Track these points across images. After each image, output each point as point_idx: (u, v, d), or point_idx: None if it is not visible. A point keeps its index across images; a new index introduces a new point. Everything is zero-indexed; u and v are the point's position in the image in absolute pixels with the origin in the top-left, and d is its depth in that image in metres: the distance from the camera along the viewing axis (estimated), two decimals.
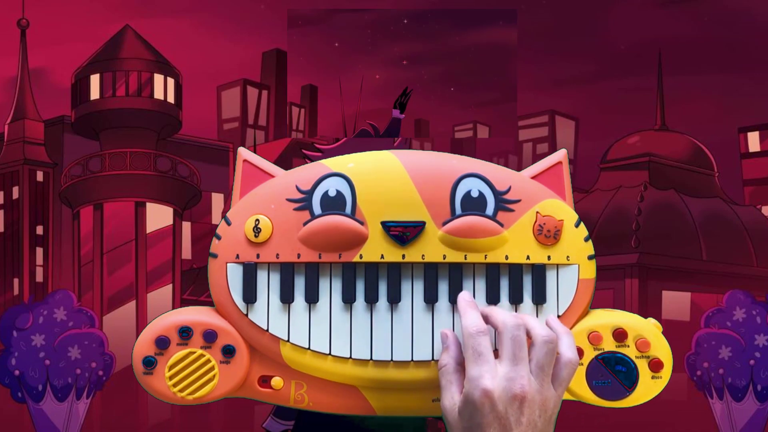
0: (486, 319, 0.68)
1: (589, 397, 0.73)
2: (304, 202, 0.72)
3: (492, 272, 0.73)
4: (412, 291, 0.73)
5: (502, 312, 0.67)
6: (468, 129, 1.24)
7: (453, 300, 0.72)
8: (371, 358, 0.72)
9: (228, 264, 0.73)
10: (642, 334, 0.73)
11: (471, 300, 0.70)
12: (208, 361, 0.72)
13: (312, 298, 0.72)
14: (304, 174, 0.74)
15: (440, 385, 0.67)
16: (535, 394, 0.64)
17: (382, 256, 0.72)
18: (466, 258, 0.72)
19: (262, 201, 0.73)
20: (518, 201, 0.73)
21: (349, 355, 0.72)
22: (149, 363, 0.72)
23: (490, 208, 0.73)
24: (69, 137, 2.05)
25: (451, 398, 0.66)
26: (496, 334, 0.67)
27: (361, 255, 0.72)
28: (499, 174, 0.74)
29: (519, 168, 0.77)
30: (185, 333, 0.72)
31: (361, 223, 0.72)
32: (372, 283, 0.72)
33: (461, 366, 0.67)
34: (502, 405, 0.63)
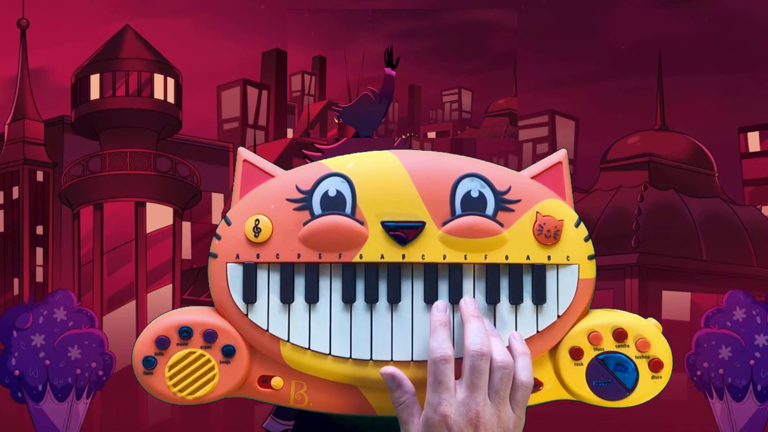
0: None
1: (589, 397, 0.73)
2: (304, 202, 0.72)
3: (492, 272, 0.73)
4: (412, 291, 0.73)
5: (473, 332, 0.68)
6: (454, 93, 1.42)
7: (453, 300, 0.72)
8: (371, 358, 0.72)
9: (228, 264, 0.73)
10: (642, 334, 0.73)
11: (445, 315, 0.70)
12: (208, 361, 0.72)
13: (312, 298, 0.72)
14: (304, 174, 0.74)
15: (401, 420, 0.69)
16: (490, 417, 0.66)
17: (382, 256, 0.72)
18: (466, 258, 0.72)
19: (262, 201, 0.73)
20: (518, 201, 0.73)
21: (349, 355, 0.72)
22: (149, 363, 0.72)
23: (490, 208, 0.73)
24: (69, 137, 2.05)
25: (416, 429, 0.68)
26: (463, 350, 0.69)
27: (361, 255, 0.72)
28: (499, 174, 0.74)
29: (519, 168, 0.77)
30: (185, 333, 0.72)
31: (361, 223, 0.72)
32: (372, 283, 0.72)
33: (415, 396, 0.69)
34: (457, 428, 0.66)
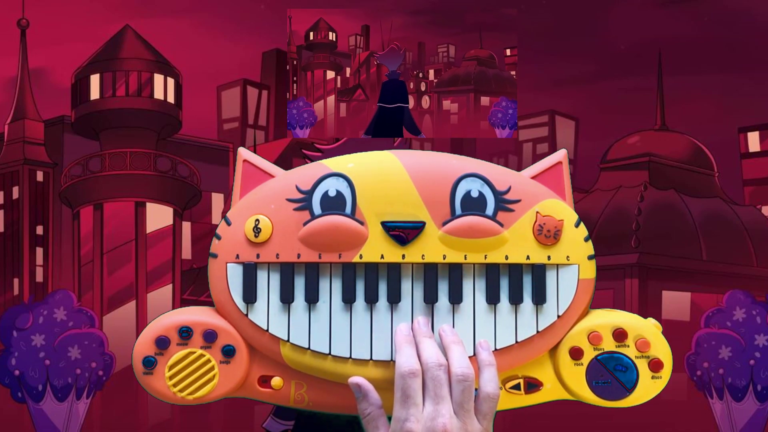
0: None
1: (589, 397, 0.73)
2: (304, 202, 0.72)
3: (492, 272, 0.73)
4: (412, 291, 0.73)
5: (428, 348, 0.68)
6: (444, 46, 2.05)
7: (453, 300, 0.72)
8: (371, 358, 0.72)
9: (228, 264, 0.73)
10: (642, 334, 0.73)
11: (408, 335, 0.71)
12: (208, 361, 0.72)
13: (312, 298, 0.72)
14: (304, 174, 0.74)
15: None
16: (458, 431, 0.65)
17: (382, 256, 0.72)
18: (466, 258, 0.72)
19: (262, 201, 0.73)
20: (518, 201, 0.73)
21: (349, 355, 0.72)
22: (149, 363, 0.72)
23: (490, 208, 0.73)
24: (69, 137, 2.05)
25: None
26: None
27: (361, 255, 0.72)
28: (499, 174, 0.74)
29: (519, 168, 0.77)
30: (185, 333, 0.72)
31: (361, 223, 0.72)
32: (372, 283, 0.72)
33: (382, 408, 0.69)
34: None
